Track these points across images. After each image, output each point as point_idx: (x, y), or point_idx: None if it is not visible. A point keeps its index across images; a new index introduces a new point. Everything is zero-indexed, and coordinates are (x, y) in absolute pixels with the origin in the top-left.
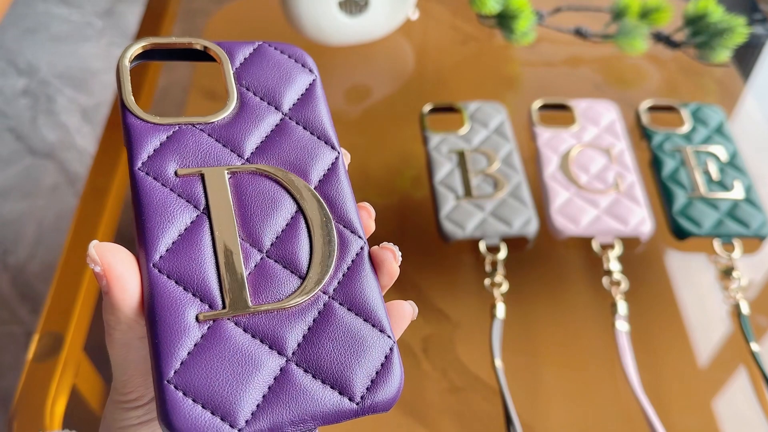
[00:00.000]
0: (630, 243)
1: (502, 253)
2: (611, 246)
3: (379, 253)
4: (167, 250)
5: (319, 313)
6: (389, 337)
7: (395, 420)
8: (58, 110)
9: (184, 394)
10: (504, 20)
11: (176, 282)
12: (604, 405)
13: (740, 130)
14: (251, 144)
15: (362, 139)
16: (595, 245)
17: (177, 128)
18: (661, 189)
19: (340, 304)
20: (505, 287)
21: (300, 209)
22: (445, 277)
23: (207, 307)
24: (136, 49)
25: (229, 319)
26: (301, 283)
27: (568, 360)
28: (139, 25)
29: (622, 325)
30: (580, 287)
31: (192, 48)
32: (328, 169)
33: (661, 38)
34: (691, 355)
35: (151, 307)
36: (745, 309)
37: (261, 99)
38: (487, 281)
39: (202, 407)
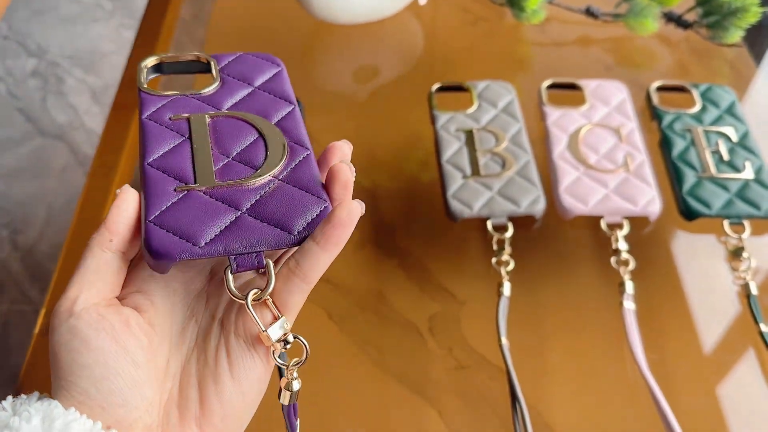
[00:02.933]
0: (638, 223)
1: (509, 232)
2: (619, 226)
3: (335, 166)
4: (158, 156)
5: (269, 188)
6: (325, 201)
7: (401, 397)
8: (68, 91)
9: (159, 227)
10: None
11: (162, 171)
12: (610, 384)
13: (752, 112)
14: (227, 104)
15: (370, 121)
16: (603, 225)
17: (175, 97)
18: (671, 169)
19: (286, 182)
20: (511, 266)
21: (261, 135)
22: (451, 256)
23: (182, 184)
24: (150, 61)
25: (197, 190)
26: (256, 172)
27: (575, 338)
28: (145, 8)
29: (629, 304)
30: (587, 266)
31: (193, 61)
32: (286, 114)
33: (672, 18)
34: (699, 335)
35: (144, 187)
36: (754, 290)
37: (238, 80)
38: (493, 260)
39: (173, 234)
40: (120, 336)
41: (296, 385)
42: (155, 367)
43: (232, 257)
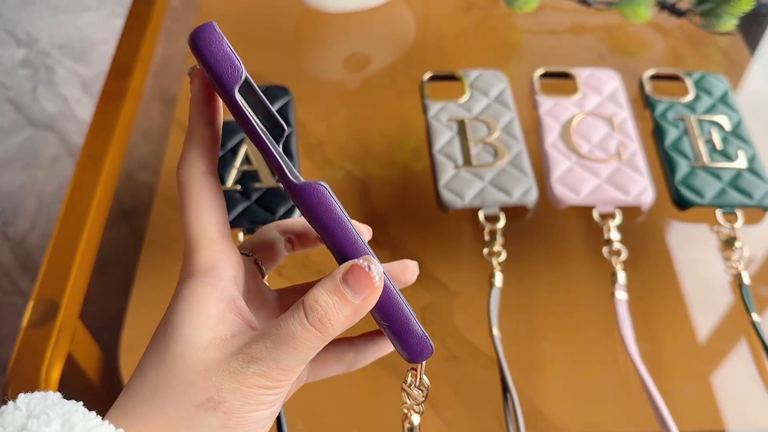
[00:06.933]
0: (631, 212)
1: (501, 223)
2: (612, 215)
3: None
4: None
5: None
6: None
7: (393, 387)
8: (58, 81)
9: None
10: None
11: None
12: (602, 374)
13: (745, 101)
14: None
15: (362, 110)
16: (596, 215)
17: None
18: (664, 158)
19: None
20: (503, 256)
21: None
22: (444, 247)
23: None
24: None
25: None
26: None
27: (567, 329)
28: None
29: (621, 294)
30: (579, 256)
31: None
32: None
33: (665, 6)
34: (691, 325)
35: None
36: (746, 279)
37: None
38: (485, 250)
39: None
40: None
41: (416, 419)
42: None
43: None
